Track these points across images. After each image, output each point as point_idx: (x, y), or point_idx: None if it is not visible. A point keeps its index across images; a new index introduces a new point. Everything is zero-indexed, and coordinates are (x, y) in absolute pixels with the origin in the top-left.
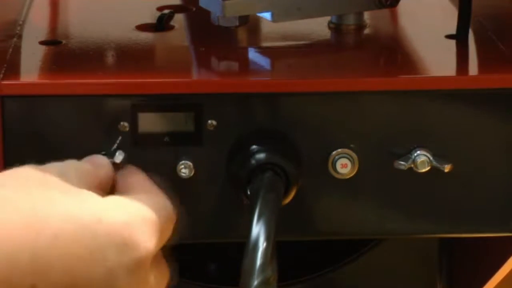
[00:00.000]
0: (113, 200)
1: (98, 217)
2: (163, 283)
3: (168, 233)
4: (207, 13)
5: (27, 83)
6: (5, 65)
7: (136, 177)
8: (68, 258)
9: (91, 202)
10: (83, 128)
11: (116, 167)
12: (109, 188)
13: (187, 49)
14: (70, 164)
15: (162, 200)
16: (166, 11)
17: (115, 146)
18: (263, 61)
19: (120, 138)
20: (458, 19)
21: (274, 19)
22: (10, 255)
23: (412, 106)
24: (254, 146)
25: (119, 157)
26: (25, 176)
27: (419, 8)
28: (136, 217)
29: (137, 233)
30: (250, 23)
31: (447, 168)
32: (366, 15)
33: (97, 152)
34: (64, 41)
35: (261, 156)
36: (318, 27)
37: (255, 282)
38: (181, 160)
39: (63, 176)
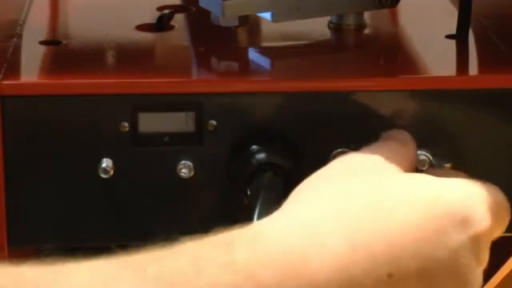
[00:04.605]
0: (446, 179)
1: (438, 195)
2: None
3: (504, 222)
4: (207, 13)
5: (27, 83)
6: (5, 65)
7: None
8: (416, 242)
9: (427, 182)
10: (83, 128)
11: None
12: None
13: (187, 49)
14: (385, 147)
15: (493, 187)
16: (166, 11)
17: None
18: (263, 61)
19: None
20: (458, 19)
21: (274, 19)
22: (367, 246)
23: (412, 106)
24: (254, 146)
25: None
26: (352, 164)
27: (419, 8)
28: (472, 194)
29: (474, 211)
30: (250, 23)
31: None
32: (366, 15)
33: (97, 152)
34: (64, 41)
35: (261, 156)
36: (318, 27)
37: None
38: (181, 160)
39: (385, 161)
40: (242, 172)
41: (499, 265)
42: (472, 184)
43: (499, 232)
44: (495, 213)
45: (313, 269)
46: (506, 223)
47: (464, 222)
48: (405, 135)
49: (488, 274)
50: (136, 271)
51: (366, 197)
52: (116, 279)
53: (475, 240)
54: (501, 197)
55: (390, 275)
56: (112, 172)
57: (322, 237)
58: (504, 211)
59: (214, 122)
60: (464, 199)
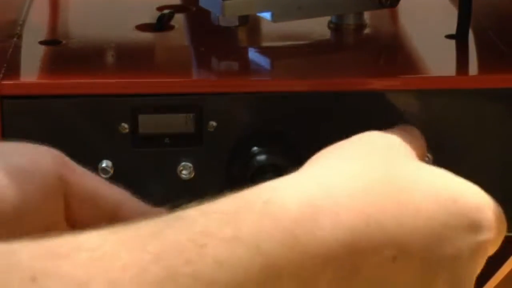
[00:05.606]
0: (466, 181)
1: (455, 198)
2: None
3: (501, 236)
4: (207, 13)
5: (27, 83)
6: (5, 65)
7: None
8: (425, 232)
9: (448, 180)
10: (83, 129)
11: None
12: None
13: (187, 49)
14: (404, 133)
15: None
16: (166, 11)
17: None
18: (263, 61)
19: None
20: (458, 19)
21: (274, 19)
22: (380, 223)
23: (412, 106)
24: (254, 148)
25: None
26: (372, 140)
27: (419, 8)
28: (486, 202)
29: (484, 218)
30: (250, 23)
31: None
32: (366, 15)
33: (96, 153)
34: (64, 41)
35: (261, 157)
36: (318, 27)
37: None
38: (181, 162)
39: (404, 145)
40: (243, 173)
41: (499, 265)
42: (484, 192)
43: (496, 246)
44: (498, 225)
45: (324, 241)
46: (502, 238)
47: (474, 226)
48: (416, 132)
49: (488, 274)
50: (135, 249)
51: (386, 176)
52: (114, 260)
53: (481, 247)
54: (501, 211)
55: (394, 258)
56: (112, 172)
57: (336, 205)
58: (504, 226)
59: (214, 123)
60: (479, 205)
